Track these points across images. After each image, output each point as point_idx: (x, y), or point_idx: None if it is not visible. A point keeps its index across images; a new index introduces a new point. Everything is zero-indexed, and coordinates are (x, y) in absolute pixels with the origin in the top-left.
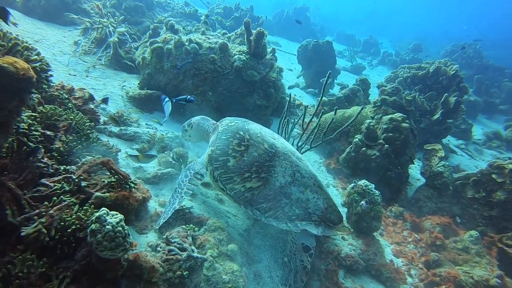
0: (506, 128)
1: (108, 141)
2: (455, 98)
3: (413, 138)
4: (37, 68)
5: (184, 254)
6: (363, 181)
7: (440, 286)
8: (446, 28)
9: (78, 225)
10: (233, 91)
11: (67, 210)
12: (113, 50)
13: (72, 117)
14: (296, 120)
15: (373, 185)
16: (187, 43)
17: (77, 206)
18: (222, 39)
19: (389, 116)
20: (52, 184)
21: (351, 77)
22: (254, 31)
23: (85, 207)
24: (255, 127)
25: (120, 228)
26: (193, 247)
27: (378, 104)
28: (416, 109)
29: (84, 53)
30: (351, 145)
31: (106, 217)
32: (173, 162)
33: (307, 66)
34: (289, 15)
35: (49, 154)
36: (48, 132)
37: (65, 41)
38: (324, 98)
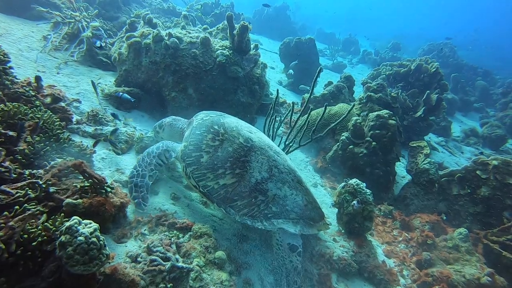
0: (482, 125)
1: (81, 141)
2: (437, 95)
3: (399, 135)
4: None
5: (168, 264)
6: (354, 180)
7: (433, 286)
8: (422, 27)
9: (45, 237)
10: (216, 88)
11: (32, 221)
12: (86, 46)
13: (39, 116)
14: (281, 118)
15: (364, 184)
16: (166, 38)
17: (44, 215)
18: (203, 34)
19: (376, 113)
20: (14, 191)
21: (332, 75)
22: (237, 25)
23: (53, 216)
24: (230, 121)
25: (94, 239)
26: (177, 256)
27: (364, 101)
28: (399, 106)
29: (54, 49)
30: (338, 143)
31: (78, 227)
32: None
33: (289, 63)
34: (270, 13)
35: (11, 157)
36: (11, 133)
37: (33, 36)
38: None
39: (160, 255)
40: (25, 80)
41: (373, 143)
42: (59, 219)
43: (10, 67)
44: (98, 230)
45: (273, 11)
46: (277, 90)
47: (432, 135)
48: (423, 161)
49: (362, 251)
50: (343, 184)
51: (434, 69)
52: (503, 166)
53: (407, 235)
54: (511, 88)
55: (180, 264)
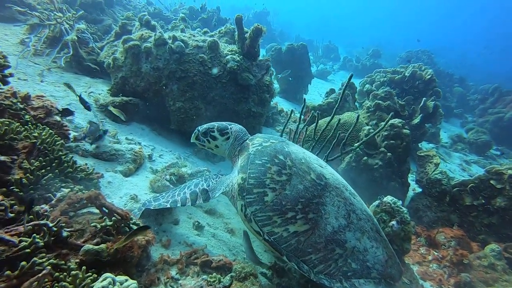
0: (468, 131)
1: (86, 164)
2: (433, 102)
3: None
4: None
5: None
6: (389, 197)
7: None
8: (397, 35)
9: None
10: (226, 97)
11: (46, 280)
12: (72, 51)
13: (36, 135)
14: (282, 128)
15: (400, 202)
16: (170, 41)
17: (63, 273)
18: (211, 38)
19: (389, 122)
20: (16, 240)
21: (318, 82)
22: (248, 29)
23: (73, 273)
24: (296, 150)
25: None
26: None
27: (372, 109)
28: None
29: (34, 54)
30: (350, 155)
31: None
32: (171, 186)
33: (280, 71)
34: (249, 19)
35: (4, 189)
36: (2, 157)
37: (8, 40)
38: (313, 103)
39: None
40: (8, 90)
41: (388, 154)
42: (80, 276)
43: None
44: None
45: (253, 17)
46: (304, 99)
47: (424, 143)
48: (433, 171)
49: (404, 277)
50: (377, 202)
51: (429, 76)
52: None
53: (435, 253)
54: (488, 94)
55: None
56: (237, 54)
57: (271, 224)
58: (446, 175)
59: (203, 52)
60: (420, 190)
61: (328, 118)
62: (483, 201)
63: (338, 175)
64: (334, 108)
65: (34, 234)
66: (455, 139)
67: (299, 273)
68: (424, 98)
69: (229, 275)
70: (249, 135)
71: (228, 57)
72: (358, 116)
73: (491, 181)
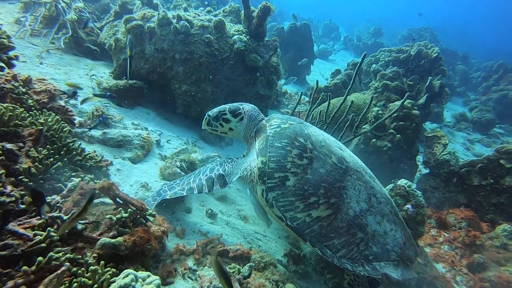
0: (471, 110)
1: (95, 151)
2: (439, 81)
3: None
4: None
5: None
6: (403, 180)
7: None
8: (397, 12)
9: None
10: (233, 80)
11: (65, 277)
12: (72, 31)
13: (42, 121)
14: (291, 111)
15: (414, 185)
16: (174, 21)
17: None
18: (216, 17)
19: (398, 102)
20: (31, 233)
21: (319, 63)
22: (253, 8)
23: (91, 268)
24: (316, 132)
25: None
26: None
27: (380, 90)
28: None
29: (31, 34)
30: (359, 137)
31: (136, 286)
32: (182, 173)
33: (283, 52)
34: None
35: (12, 178)
36: (8, 145)
37: (2, 18)
38: (319, 85)
39: None
40: (8, 73)
41: (398, 135)
42: (100, 271)
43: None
44: (160, 286)
45: None
46: (317, 82)
47: (427, 123)
48: (442, 151)
49: (419, 258)
50: (391, 185)
51: (436, 54)
52: None
53: (446, 234)
54: (492, 72)
55: None
56: (244, 34)
57: (293, 209)
58: (455, 155)
59: (209, 33)
60: (427, 171)
61: (336, 100)
62: (492, 181)
63: (357, 158)
64: (347, 90)
65: (49, 228)
66: (459, 118)
67: (315, 259)
68: (430, 77)
69: (248, 265)
70: (262, 114)
71: (235, 37)
72: (372, 98)
73: (501, 161)
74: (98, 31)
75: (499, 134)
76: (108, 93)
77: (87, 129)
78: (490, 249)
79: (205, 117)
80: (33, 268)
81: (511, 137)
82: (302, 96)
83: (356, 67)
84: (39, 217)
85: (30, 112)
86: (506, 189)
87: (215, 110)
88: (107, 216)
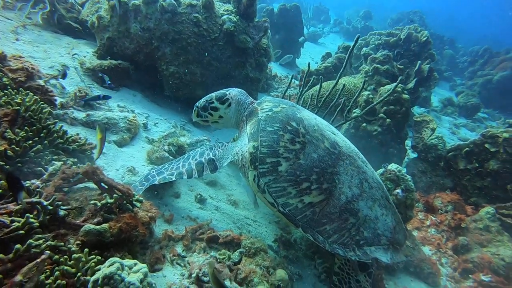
0: (458, 94)
1: (78, 134)
2: (428, 65)
3: None
4: None
5: None
6: (394, 165)
7: (476, 273)
8: None
9: None
10: (222, 61)
11: (46, 266)
12: (50, 6)
13: (19, 101)
14: (282, 94)
15: (405, 169)
16: None
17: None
18: None
19: (388, 86)
20: (7, 220)
21: (309, 45)
22: None
23: (74, 256)
24: (308, 116)
25: None
26: (235, 285)
27: (370, 73)
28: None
29: (3, 6)
30: (349, 121)
31: (123, 275)
32: (170, 157)
33: (273, 33)
34: None
35: None
36: None
37: None
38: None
39: None
40: None
41: (387, 120)
42: (83, 258)
43: None
44: (148, 275)
45: None
46: (308, 64)
47: (415, 107)
48: (430, 136)
49: (407, 241)
50: (381, 170)
51: (425, 38)
52: None
53: (433, 217)
54: (478, 56)
55: None
56: (233, 15)
57: (285, 195)
58: (442, 140)
59: (197, 12)
60: (415, 155)
61: (327, 84)
62: (477, 165)
63: (350, 142)
64: (339, 73)
65: (28, 214)
66: (445, 102)
67: (305, 244)
68: (419, 62)
69: (238, 251)
70: (250, 98)
71: (224, 17)
72: (364, 82)
73: (486, 145)
74: (80, 7)
75: (483, 118)
76: (100, 74)
77: (83, 101)
78: (474, 231)
79: (194, 109)
80: (10, 256)
81: (495, 122)
82: (293, 80)
83: (349, 51)
84: (15, 202)
85: (5, 91)
86: (490, 172)
87: (202, 100)
88: (92, 202)
